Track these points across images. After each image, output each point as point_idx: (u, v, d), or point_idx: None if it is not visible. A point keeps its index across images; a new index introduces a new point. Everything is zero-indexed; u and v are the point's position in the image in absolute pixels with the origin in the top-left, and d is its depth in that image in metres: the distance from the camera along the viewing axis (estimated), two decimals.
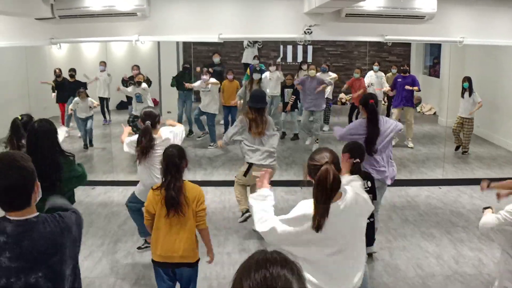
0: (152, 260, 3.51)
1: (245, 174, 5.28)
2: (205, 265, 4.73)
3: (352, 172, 3.32)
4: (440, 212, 6.31)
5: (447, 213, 6.27)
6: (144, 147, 4.34)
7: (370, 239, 4.07)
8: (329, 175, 2.38)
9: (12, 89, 8.46)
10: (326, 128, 10.39)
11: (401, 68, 9.49)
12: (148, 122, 4.31)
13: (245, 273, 1.30)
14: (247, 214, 5.27)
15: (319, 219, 2.40)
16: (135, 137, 4.49)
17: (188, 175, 7.99)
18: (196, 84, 9.12)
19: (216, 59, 10.06)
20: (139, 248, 5.09)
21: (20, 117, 4.12)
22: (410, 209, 6.39)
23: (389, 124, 4.75)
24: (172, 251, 3.38)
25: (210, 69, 9.57)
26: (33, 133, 3.42)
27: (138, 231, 5.03)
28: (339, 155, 2.70)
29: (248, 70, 10.31)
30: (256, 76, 8.92)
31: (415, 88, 9.08)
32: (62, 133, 4.44)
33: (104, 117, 9.97)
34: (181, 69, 10.08)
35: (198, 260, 3.54)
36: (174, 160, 3.34)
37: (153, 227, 3.47)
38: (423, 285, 4.47)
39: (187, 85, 9.14)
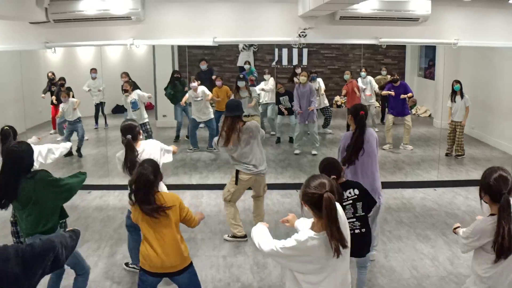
0: (140, 267, 3.51)
1: (236, 182, 5.24)
2: (200, 269, 4.74)
3: None
4: (435, 213, 6.33)
5: (442, 214, 6.29)
6: (130, 161, 4.14)
7: (362, 249, 3.88)
8: (333, 202, 2.42)
9: (7, 93, 8.43)
10: (328, 130, 10.42)
11: (391, 77, 9.52)
12: (129, 136, 4.16)
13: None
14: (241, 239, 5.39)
15: (336, 244, 2.42)
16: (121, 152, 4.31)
17: (184, 179, 8.02)
18: (188, 95, 8.95)
19: (203, 66, 9.98)
20: (126, 264, 4.86)
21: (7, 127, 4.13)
22: (405, 211, 6.41)
23: (372, 136, 4.55)
24: (159, 265, 3.36)
25: (197, 82, 9.51)
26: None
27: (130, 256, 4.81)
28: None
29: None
30: (241, 83, 8.82)
31: (409, 94, 9.11)
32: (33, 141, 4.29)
33: (96, 122, 9.93)
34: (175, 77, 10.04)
35: (191, 263, 3.52)
36: (149, 177, 3.28)
37: (141, 239, 3.48)
38: (418, 286, 4.48)
39: (183, 102, 9.02)
